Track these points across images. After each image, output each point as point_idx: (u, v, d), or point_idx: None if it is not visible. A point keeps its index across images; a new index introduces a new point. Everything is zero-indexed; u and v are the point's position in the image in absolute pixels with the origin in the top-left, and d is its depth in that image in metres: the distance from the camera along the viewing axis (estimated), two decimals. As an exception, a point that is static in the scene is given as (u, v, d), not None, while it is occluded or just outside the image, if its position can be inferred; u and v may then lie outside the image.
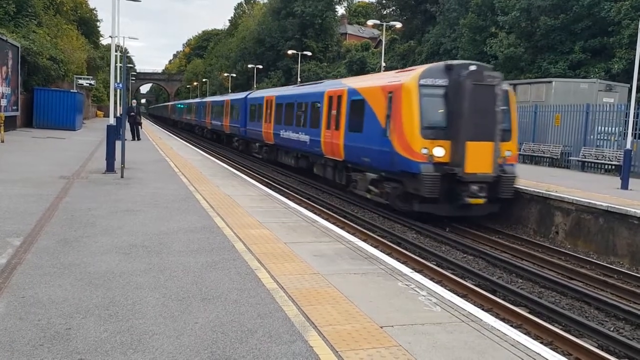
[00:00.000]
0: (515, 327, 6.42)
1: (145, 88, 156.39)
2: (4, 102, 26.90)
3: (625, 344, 6.93)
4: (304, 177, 21.95)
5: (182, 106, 68.28)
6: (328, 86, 19.39)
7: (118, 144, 15.68)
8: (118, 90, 28.09)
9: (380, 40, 54.27)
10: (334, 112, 17.60)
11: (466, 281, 9.27)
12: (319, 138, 18.68)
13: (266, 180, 20.29)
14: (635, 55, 16.18)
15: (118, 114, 25.34)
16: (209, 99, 50.00)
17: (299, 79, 54.58)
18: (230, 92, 61.58)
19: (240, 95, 34.72)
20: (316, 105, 19.49)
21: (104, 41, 72.41)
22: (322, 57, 69.80)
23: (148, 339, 4.50)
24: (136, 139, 28.58)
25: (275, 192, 14.69)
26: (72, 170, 15.34)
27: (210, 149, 33.71)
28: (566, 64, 32.79)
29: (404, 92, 13.28)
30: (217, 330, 4.76)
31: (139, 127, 30.35)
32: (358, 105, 15.78)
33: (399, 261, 8.48)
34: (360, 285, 6.23)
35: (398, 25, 43.34)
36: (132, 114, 29.53)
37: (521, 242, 12.69)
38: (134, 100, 35.51)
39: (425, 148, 12.81)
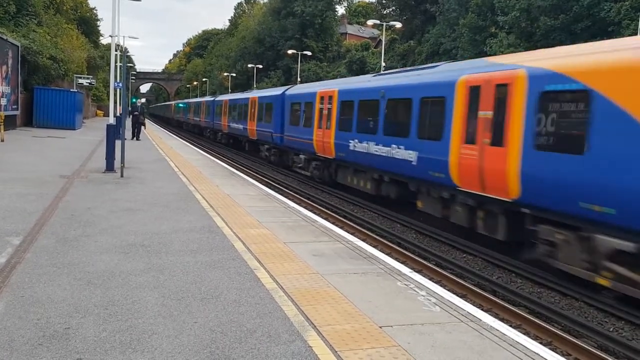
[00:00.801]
0: (514, 327, 6.42)
1: (145, 87, 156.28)
2: (4, 101, 26.89)
3: (624, 344, 6.93)
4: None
5: (188, 105, 59.35)
6: (462, 71, 11.57)
7: (118, 143, 15.70)
8: (118, 90, 28.08)
9: (380, 40, 54.28)
10: (485, 113, 10.39)
11: (465, 281, 9.27)
12: (444, 157, 11.40)
13: (266, 179, 20.28)
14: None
15: (118, 114, 25.36)
16: (226, 96, 40.09)
17: (299, 79, 54.51)
18: (255, 89, 51.42)
19: (274, 91, 27.13)
20: (433, 103, 12.25)
21: (104, 40, 72.44)
22: (322, 57, 69.78)
23: (147, 339, 4.50)
24: (136, 138, 28.56)
25: (275, 191, 14.69)
26: (72, 169, 15.35)
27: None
28: (566, 64, 32.71)
29: None
30: (216, 329, 4.77)
31: (142, 127, 30.33)
32: (566, 101, 8.75)
33: (398, 261, 8.48)
34: (360, 285, 6.24)
35: (398, 25, 43.38)
36: (136, 113, 29.62)
37: None
38: (140, 100, 35.17)
39: None
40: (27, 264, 6.33)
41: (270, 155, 26.39)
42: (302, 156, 21.07)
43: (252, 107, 29.01)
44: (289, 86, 26.95)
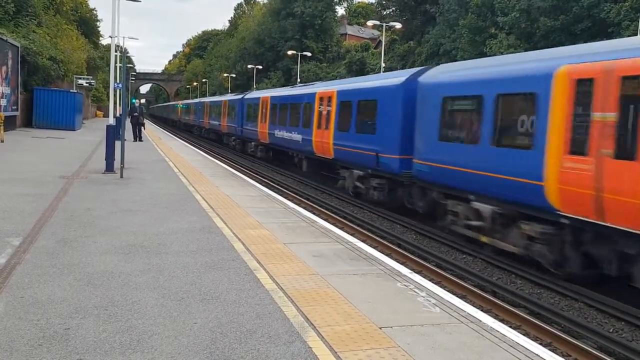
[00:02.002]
0: (514, 328, 6.42)
1: (144, 88, 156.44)
2: (3, 102, 26.90)
3: (624, 345, 6.93)
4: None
5: (201, 105, 47.47)
6: None
7: (118, 143, 15.70)
8: (118, 90, 28.08)
9: (380, 41, 54.30)
10: None
11: (465, 282, 9.27)
12: None
13: (265, 180, 20.27)
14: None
15: (118, 114, 25.36)
16: (265, 93, 28.77)
17: (298, 80, 54.51)
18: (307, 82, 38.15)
19: (389, 78, 15.08)
20: None
21: (104, 41, 72.64)
22: (321, 58, 69.82)
23: (147, 339, 4.50)
24: (138, 139, 28.42)
25: (275, 192, 14.68)
26: (71, 170, 15.34)
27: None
28: (566, 65, 32.72)
29: None
30: (216, 330, 4.76)
31: (142, 127, 29.92)
32: None
33: (398, 262, 8.46)
34: (359, 286, 6.23)
35: (398, 26, 43.37)
36: (135, 114, 29.11)
37: None
38: (138, 101, 33.77)
39: None
40: (27, 265, 6.33)
41: (402, 194, 14.14)
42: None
43: (330, 107, 17.91)
44: (440, 65, 15.34)
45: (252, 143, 29.08)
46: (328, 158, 18.15)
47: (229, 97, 37.61)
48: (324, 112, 18.33)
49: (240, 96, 33.22)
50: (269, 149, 26.54)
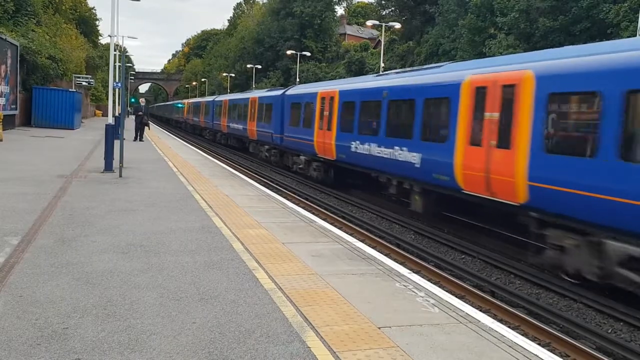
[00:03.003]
0: (513, 329, 6.41)
1: (143, 88, 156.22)
2: (2, 100, 26.88)
3: (622, 345, 6.94)
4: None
5: (212, 105, 39.01)
6: None
7: (117, 143, 15.69)
8: (117, 90, 28.05)
9: (380, 41, 54.30)
10: None
11: (464, 282, 9.27)
12: None
13: (264, 180, 20.26)
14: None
15: (117, 113, 25.32)
16: (330, 85, 19.97)
17: (297, 80, 54.48)
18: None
19: None
20: None
21: (103, 40, 72.69)
22: (321, 58, 69.82)
23: (146, 339, 4.50)
24: (139, 139, 28.24)
25: (274, 192, 14.68)
26: (70, 169, 15.33)
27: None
28: (565, 66, 32.69)
29: None
30: (215, 330, 4.76)
31: (146, 127, 29.46)
32: None
33: (397, 262, 8.47)
34: (358, 286, 6.24)
35: (397, 25, 43.38)
36: (140, 113, 28.57)
37: None
38: (143, 100, 32.76)
39: None
40: (26, 264, 6.32)
41: None
42: None
43: (490, 106, 10.33)
44: None
45: (301, 157, 20.70)
46: (509, 203, 9.85)
47: (261, 93, 28.47)
48: (491, 116, 10.29)
49: (279, 92, 24.42)
50: (330, 167, 18.54)
